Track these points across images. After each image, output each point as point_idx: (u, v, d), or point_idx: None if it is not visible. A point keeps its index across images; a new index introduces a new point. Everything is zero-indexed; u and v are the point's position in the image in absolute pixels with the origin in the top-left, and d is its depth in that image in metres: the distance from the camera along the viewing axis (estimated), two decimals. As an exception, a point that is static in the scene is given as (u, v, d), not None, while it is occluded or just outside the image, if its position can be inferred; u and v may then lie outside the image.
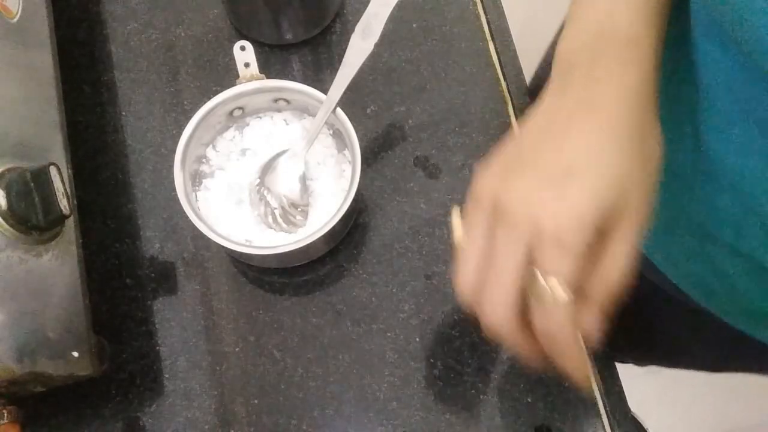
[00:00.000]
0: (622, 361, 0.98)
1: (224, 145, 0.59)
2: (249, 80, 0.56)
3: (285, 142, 0.59)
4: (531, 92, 0.66)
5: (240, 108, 0.58)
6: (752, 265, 0.38)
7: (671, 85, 0.39)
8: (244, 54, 0.57)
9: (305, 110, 0.59)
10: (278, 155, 0.57)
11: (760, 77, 0.31)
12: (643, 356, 0.84)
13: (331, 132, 0.59)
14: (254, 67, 0.57)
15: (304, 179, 0.57)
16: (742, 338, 0.50)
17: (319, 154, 0.58)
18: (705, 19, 0.36)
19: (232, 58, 0.57)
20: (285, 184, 0.56)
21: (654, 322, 0.71)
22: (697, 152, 0.39)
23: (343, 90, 0.53)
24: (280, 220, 0.56)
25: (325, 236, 0.52)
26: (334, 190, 0.57)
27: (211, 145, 0.59)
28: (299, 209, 0.57)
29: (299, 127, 0.59)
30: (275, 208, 0.56)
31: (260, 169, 0.57)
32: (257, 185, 0.57)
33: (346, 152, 0.58)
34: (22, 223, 0.44)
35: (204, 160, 0.59)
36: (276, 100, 0.58)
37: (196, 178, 0.58)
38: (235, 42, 0.57)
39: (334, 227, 0.52)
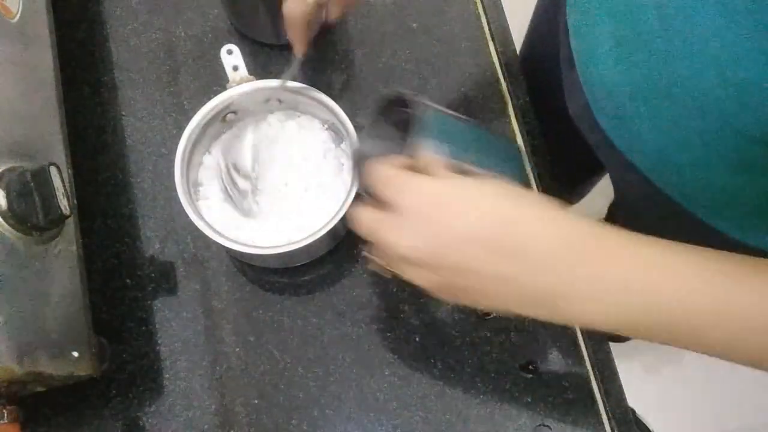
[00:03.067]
0: None
1: (222, 148, 0.59)
2: (239, 83, 0.56)
3: (281, 140, 0.59)
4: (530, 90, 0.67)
5: (233, 112, 0.57)
6: (714, 126, 0.39)
7: None
8: (232, 57, 0.57)
9: (297, 108, 0.59)
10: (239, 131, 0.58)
11: None
12: None
13: (325, 126, 0.59)
14: (243, 70, 0.57)
15: (256, 149, 0.57)
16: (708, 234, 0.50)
17: (317, 149, 0.58)
18: None
19: (232, 58, 0.57)
20: (234, 151, 0.57)
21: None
22: (658, 12, 0.40)
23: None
24: (228, 188, 0.56)
25: (326, 235, 0.52)
26: (334, 187, 0.57)
27: (208, 150, 0.59)
28: (245, 178, 0.56)
29: (294, 125, 0.59)
30: (223, 174, 0.56)
31: (223, 147, 0.58)
32: (221, 161, 0.57)
33: (344, 145, 0.58)
34: (22, 223, 0.44)
35: (203, 164, 0.58)
36: (267, 100, 0.58)
37: (196, 180, 0.58)
38: (235, 42, 0.57)
39: (335, 226, 0.52)
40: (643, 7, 0.41)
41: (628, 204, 0.67)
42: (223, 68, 0.57)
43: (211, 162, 0.58)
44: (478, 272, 0.37)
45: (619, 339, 1.15)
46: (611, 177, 0.63)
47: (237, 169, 0.56)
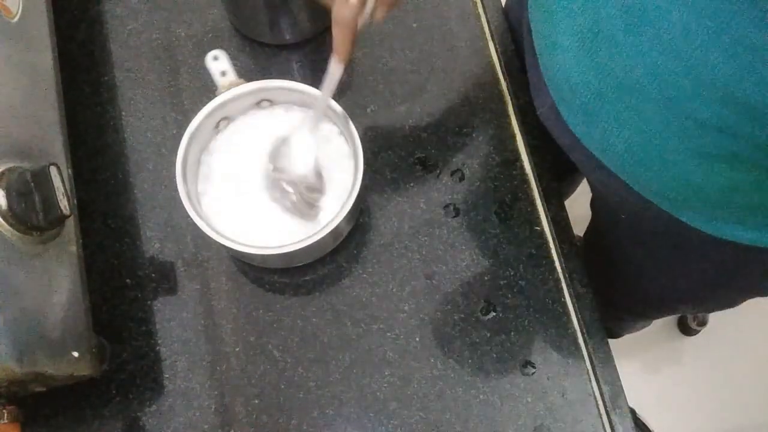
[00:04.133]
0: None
1: (219, 150, 0.59)
2: (228, 88, 0.55)
3: (278, 134, 0.58)
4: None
5: (226, 118, 0.57)
6: (678, 118, 0.40)
7: None
8: (219, 63, 0.56)
9: (289, 106, 0.59)
10: (284, 140, 0.56)
11: None
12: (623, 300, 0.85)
13: (325, 126, 0.59)
14: (231, 75, 0.56)
15: (317, 162, 0.55)
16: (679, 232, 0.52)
17: (318, 150, 0.58)
18: None
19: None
20: (299, 168, 0.55)
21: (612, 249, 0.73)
22: (621, 6, 0.40)
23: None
24: (300, 205, 0.55)
25: (328, 236, 0.52)
26: (336, 187, 0.57)
27: (206, 152, 0.58)
28: (315, 193, 0.56)
29: (287, 119, 0.59)
30: (292, 193, 0.55)
31: (270, 156, 0.56)
32: (273, 171, 0.56)
33: (344, 145, 0.57)
34: (22, 223, 0.44)
35: (202, 166, 0.58)
36: (259, 102, 0.58)
37: (197, 180, 0.58)
38: (235, 42, 0.57)
39: (337, 226, 0.52)
40: (605, 2, 0.41)
41: (604, 202, 0.67)
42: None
43: (210, 162, 0.58)
44: None
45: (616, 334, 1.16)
46: (586, 177, 0.63)
47: (311, 189, 0.56)
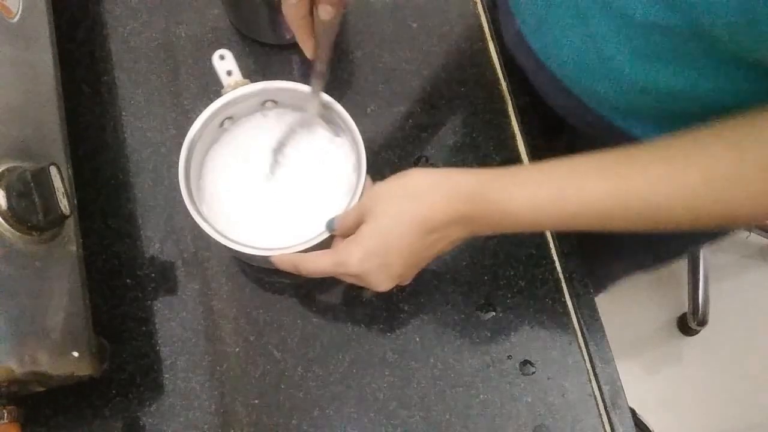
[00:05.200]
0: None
1: (222, 149, 0.59)
2: (234, 88, 0.55)
3: (284, 140, 0.59)
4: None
5: (229, 118, 0.57)
6: (616, 18, 0.41)
7: None
8: (225, 63, 0.56)
9: (293, 108, 0.59)
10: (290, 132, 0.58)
11: None
12: None
13: (326, 127, 0.59)
14: (237, 74, 0.56)
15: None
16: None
17: (319, 150, 0.58)
18: None
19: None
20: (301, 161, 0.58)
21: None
22: None
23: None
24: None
25: (330, 236, 0.52)
26: (337, 188, 0.57)
27: (209, 150, 0.58)
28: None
29: (295, 125, 0.59)
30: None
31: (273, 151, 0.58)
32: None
33: (345, 145, 0.57)
34: (22, 223, 0.44)
35: (204, 166, 0.58)
36: (263, 102, 0.58)
37: (198, 180, 0.58)
38: (235, 42, 0.57)
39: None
40: None
41: (567, 124, 0.67)
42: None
43: (212, 161, 0.58)
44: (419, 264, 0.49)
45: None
46: (554, 108, 0.64)
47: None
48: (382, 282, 0.48)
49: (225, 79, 0.56)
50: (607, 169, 0.42)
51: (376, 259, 0.47)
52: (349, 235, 0.51)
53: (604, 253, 0.83)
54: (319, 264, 0.49)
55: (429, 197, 0.46)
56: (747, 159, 0.38)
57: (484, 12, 0.69)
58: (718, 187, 0.39)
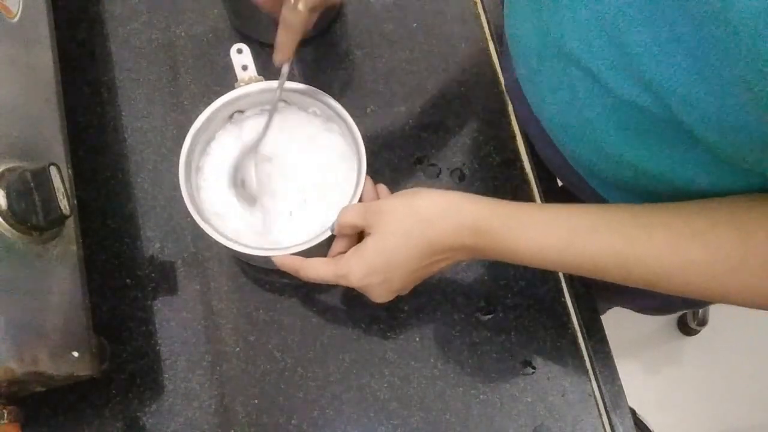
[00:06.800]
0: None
1: (224, 147, 0.59)
2: (248, 83, 0.56)
3: (285, 140, 0.59)
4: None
5: (240, 111, 0.58)
6: (601, 89, 0.41)
7: None
8: (242, 57, 0.57)
9: (303, 109, 0.59)
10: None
11: None
12: None
13: (329, 128, 0.59)
14: (252, 70, 0.57)
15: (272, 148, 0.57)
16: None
17: (320, 150, 0.58)
18: None
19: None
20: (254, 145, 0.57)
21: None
22: None
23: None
24: (244, 176, 0.56)
25: (330, 237, 0.52)
26: (338, 189, 0.57)
27: (210, 152, 0.58)
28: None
29: (297, 125, 0.59)
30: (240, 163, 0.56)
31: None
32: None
33: (346, 145, 0.58)
34: (22, 223, 0.44)
35: (205, 166, 0.58)
36: (273, 101, 0.58)
37: (197, 180, 0.58)
38: (235, 42, 0.57)
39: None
40: None
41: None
42: (224, 68, 0.57)
43: (212, 161, 0.58)
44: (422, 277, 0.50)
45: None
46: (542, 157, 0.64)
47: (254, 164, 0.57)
48: (381, 295, 0.50)
49: (240, 74, 0.56)
50: (613, 231, 0.44)
51: (379, 276, 0.48)
52: (348, 236, 0.51)
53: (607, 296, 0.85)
54: (321, 273, 0.50)
55: (439, 224, 0.47)
56: (750, 245, 0.39)
57: (484, 12, 0.69)
58: (719, 271, 0.40)
